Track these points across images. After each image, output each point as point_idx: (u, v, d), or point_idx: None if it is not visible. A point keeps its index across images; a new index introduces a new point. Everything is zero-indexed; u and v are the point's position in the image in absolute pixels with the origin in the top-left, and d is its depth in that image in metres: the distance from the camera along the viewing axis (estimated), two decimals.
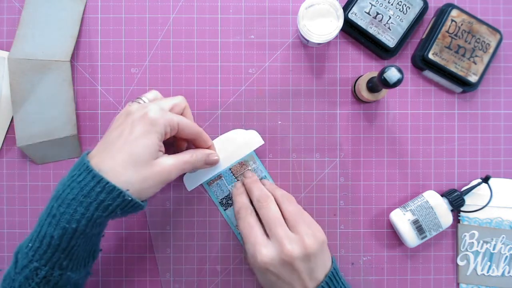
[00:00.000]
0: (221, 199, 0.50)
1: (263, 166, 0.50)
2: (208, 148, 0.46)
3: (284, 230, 0.42)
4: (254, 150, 0.50)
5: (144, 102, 0.43)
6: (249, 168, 0.50)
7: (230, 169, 0.50)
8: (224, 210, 0.50)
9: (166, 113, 0.41)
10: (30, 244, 0.36)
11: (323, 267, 0.42)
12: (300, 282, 0.40)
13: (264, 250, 0.41)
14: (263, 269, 0.41)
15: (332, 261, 0.43)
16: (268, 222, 0.42)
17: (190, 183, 0.50)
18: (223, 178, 0.50)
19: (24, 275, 0.36)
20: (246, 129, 0.50)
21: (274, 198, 0.45)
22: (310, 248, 0.40)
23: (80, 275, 0.40)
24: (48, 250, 0.36)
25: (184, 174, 0.50)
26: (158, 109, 0.40)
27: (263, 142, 0.49)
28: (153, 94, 0.45)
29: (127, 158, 0.37)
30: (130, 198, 0.37)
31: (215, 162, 0.47)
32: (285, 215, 0.43)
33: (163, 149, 0.41)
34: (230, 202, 0.50)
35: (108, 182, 0.36)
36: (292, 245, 0.40)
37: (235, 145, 0.49)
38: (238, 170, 0.50)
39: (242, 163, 0.50)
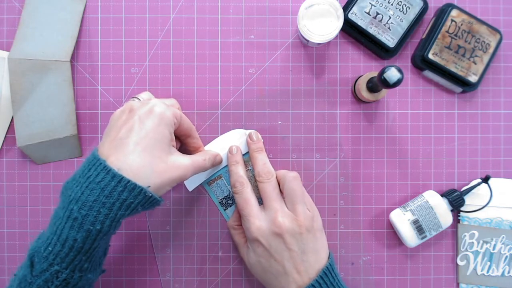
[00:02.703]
0: (221, 199, 0.50)
1: None
2: (199, 147, 0.47)
3: (280, 205, 0.43)
4: None
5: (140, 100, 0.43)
6: (249, 168, 0.50)
7: None
8: (224, 210, 0.50)
9: (170, 107, 0.41)
10: (50, 248, 0.36)
11: (316, 256, 0.42)
12: (292, 262, 0.40)
13: (257, 222, 0.42)
14: (255, 241, 0.42)
15: (329, 257, 0.43)
16: (266, 196, 0.44)
17: (191, 184, 0.50)
18: (223, 178, 0.50)
19: (44, 279, 0.35)
20: (246, 129, 0.50)
21: (278, 174, 0.46)
22: (303, 227, 0.41)
23: (97, 275, 0.39)
24: (70, 253, 0.35)
25: None
26: (163, 103, 0.41)
27: (262, 141, 0.49)
28: (146, 94, 0.46)
29: (143, 153, 0.37)
30: (150, 195, 0.37)
31: (220, 162, 0.48)
32: (285, 192, 0.44)
33: (174, 143, 0.42)
34: (230, 202, 0.50)
35: (129, 181, 0.36)
36: (284, 218, 0.41)
37: (235, 142, 0.49)
38: None
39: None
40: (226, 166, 0.49)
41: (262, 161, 0.46)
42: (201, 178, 0.49)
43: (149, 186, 0.37)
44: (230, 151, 0.48)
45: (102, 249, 0.39)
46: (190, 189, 0.50)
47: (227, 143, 0.49)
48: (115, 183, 0.35)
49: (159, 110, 0.39)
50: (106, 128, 0.41)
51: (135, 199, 0.36)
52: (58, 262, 0.35)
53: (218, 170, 0.50)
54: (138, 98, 0.43)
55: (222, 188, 0.50)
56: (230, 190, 0.50)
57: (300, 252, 0.41)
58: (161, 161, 0.38)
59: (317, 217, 0.44)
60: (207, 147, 0.49)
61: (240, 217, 0.46)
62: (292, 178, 0.44)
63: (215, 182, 0.50)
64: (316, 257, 0.42)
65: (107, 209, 0.35)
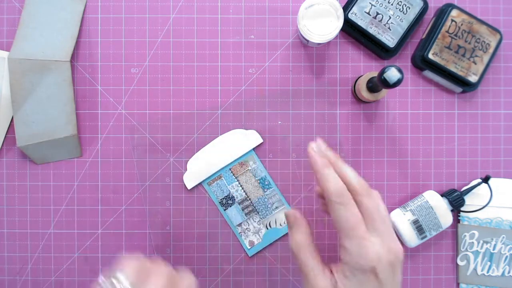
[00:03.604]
0: (221, 199, 0.50)
1: (263, 166, 0.50)
2: None
3: (388, 228, 0.34)
4: (254, 150, 0.50)
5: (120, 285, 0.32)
6: (249, 168, 0.50)
7: (230, 169, 0.50)
8: (224, 210, 0.50)
9: None
10: None
11: None
12: None
13: (375, 246, 0.33)
14: (368, 272, 0.33)
15: None
16: (371, 215, 0.34)
17: (190, 182, 0.50)
18: (223, 178, 0.50)
19: None
20: (246, 129, 0.50)
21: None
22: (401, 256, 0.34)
23: None
24: None
25: (185, 173, 0.50)
26: None
27: (261, 141, 0.49)
28: (131, 267, 0.33)
29: None
30: None
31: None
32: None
33: None
34: (230, 202, 0.50)
35: None
36: (397, 244, 0.34)
37: (234, 144, 0.49)
38: (238, 170, 0.50)
39: (242, 163, 0.50)
40: (226, 166, 0.50)
41: (353, 172, 0.36)
42: (200, 177, 0.49)
43: None
44: (315, 149, 0.37)
45: None
46: (189, 187, 0.50)
47: (227, 143, 0.49)
48: None
49: None
50: None
51: None
52: None
53: (218, 170, 0.50)
54: (117, 279, 0.32)
55: (222, 188, 0.50)
56: (230, 190, 0.50)
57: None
58: None
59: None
60: (207, 147, 0.50)
61: (310, 232, 0.37)
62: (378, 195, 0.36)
63: (215, 182, 0.50)
64: None
65: None
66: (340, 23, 0.45)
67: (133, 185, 0.50)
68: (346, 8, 0.49)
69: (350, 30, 0.50)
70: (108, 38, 0.51)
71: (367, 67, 0.51)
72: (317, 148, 0.36)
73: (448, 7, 0.49)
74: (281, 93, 0.51)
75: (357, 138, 0.51)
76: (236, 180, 0.50)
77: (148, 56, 0.51)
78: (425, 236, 0.48)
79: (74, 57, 0.51)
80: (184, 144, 0.51)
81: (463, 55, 0.49)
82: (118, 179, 0.50)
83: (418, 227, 0.47)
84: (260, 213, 0.50)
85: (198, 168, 0.50)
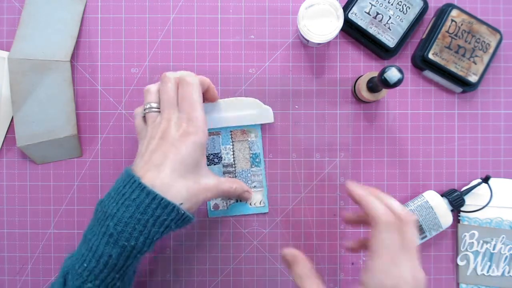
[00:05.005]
0: (209, 154, 0.50)
1: (261, 144, 0.50)
2: (215, 98, 0.47)
3: (416, 256, 0.35)
4: (261, 126, 0.50)
5: (153, 108, 0.41)
6: (248, 139, 0.49)
7: (230, 131, 0.50)
8: (208, 165, 0.50)
9: (202, 123, 0.40)
10: (85, 265, 0.35)
11: None
12: None
13: (400, 268, 0.34)
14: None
15: None
16: (408, 244, 0.35)
17: None
18: (220, 135, 0.50)
19: None
20: (264, 104, 0.50)
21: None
22: None
23: None
24: (105, 270, 0.35)
25: None
26: (195, 123, 0.40)
27: (273, 121, 0.49)
28: (154, 89, 0.42)
29: (178, 178, 0.38)
30: (183, 212, 0.37)
31: (248, 199, 0.49)
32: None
33: (205, 160, 0.41)
34: (216, 160, 0.50)
35: (162, 198, 0.36)
36: (422, 273, 0.35)
37: (246, 111, 0.49)
38: (237, 136, 0.50)
39: (244, 131, 0.50)
40: (229, 127, 0.49)
41: (397, 202, 0.37)
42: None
43: (181, 204, 0.37)
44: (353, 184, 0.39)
45: (132, 269, 0.38)
46: None
47: (240, 106, 0.49)
48: (150, 200, 0.36)
49: (193, 138, 0.39)
50: (139, 145, 0.42)
51: (169, 216, 0.36)
52: (91, 279, 0.35)
53: (219, 127, 0.49)
54: (151, 106, 0.42)
55: (215, 145, 0.50)
56: (222, 150, 0.50)
57: None
58: (194, 182, 0.39)
59: None
60: (220, 100, 0.49)
61: (310, 266, 0.39)
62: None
63: (211, 136, 0.50)
64: None
65: (141, 225, 0.35)
66: (340, 23, 0.45)
67: None
68: (346, 8, 0.49)
69: (350, 30, 0.50)
70: (108, 38, 0.51)
71: (367, 67, 0.51)
72: (355, 184, 0.39)
73: (448, 7, 0.49)
74: (281, 93, 0.51)
75: (357, 138, 0.51)
76: (231, 143, 0.50)
77: (148, 56, 0.51)
78: (425, 236, 0.48)
79: (74, 57, 0.51)
80: None
81: (463, 55, 0.49)
82: None
83: (418, 227, 0.47)
84: None
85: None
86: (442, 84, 0.51)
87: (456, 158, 0.51)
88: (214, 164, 0.50)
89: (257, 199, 0.50)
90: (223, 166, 0.50)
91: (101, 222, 0.36)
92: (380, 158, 0.51)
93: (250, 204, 0.50)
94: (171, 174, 0.37)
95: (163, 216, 0.36)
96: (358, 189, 0.38)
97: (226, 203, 0.50)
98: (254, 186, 0.50)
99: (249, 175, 0.50)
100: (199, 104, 0.40)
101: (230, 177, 0.50)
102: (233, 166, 0.50)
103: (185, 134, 0.39)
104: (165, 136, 0.39)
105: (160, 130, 0.40)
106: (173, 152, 0.38)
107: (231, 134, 0.50)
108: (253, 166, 0.50)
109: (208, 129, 0.48)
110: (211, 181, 0.41)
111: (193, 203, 0.39)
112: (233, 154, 0.50)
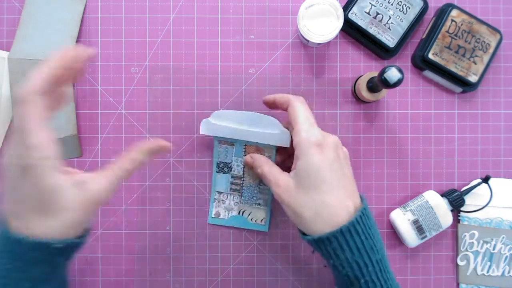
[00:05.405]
0: (219, 162, 0.50)
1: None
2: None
3: None
4: (276, 148, 0.48)
5: None
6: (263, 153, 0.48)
7: (245, 144, 0.48)
8: (216, 172, 0.50)
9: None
10: None
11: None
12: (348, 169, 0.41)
13: (320, 131, 0.41)
14: (315, 144, 0.39)
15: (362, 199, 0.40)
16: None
17: (205, 129, 0.48)
18: (234, 146, 0.49)
19: None
20: (284, 127, 0.48)
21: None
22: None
23: None
24: None
25: (205, 119, 0.48)
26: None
27: (288, 146, 0.46)
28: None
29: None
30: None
31: (166, 149, 0.41)
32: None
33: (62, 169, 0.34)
34: (225, 170, 0.49)
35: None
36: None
37: (267, 129, 0.47)
38: (251, 151, 0.48)
39: (258, 148, 0.48)
40: (244, 141, 0.48)
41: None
42: (217, 132, 0.47)
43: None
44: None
45: None
46: (201, 132, 0.48)
47: (263, 123, 0.47)
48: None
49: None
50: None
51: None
52: None
53: (236, 139, 0.48)
54: None
55: (227, 155, 0.49)
56: (233, 161, 0.49)
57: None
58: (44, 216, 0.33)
59: None
60: (239, 113, 0.47)
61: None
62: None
63: (225, 145, 0.49)
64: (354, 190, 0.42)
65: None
66: (340, 23, 0.45)
67: (133, 185, 0.50)
68: (346, 8, 0.49)
69: (350, 30, 0.50)
70: (108, 38, 0.51)
71: (367, 67, 0.51)
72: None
73: (448, 7, 0.49)
74: (281, 93, 0.51)
75: (357, 138, 0.51)
76: (243, 157, 0.49)
77: (148, 56, 0.51)
78: (425, 236, 0.48)
79: None
80: (184, 144, 0.51)
81: (463, 55, 0.49)
82: None
83: (418, 227, 0.47)
84: (242, 198, 0.50)
85: (219, 124, 0.47)
86: (442, 84, 0.51)
87: (456, 158, 0.51)
88: (223, 173, 0.50)
89: (259, 216, 0.50)
90: (231, 177, 0.50)
91: None
92: (380, 158, 0.51)
93: (251, 220, 0.50)
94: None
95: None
96: (269, 96, 0.45)
97: (228, 214, 0.50)
98: (258, 204, 0.50)
99: (255, 191, 0.50)
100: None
101: (236, 188, 0.50)
102: (242, 179, 0.50)
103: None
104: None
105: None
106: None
107: (244, 148, 0.49)
108: (261, 184, 0.50)
109: (223, 138, 0.48)
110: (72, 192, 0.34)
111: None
112: (244, 167, 0.50)
